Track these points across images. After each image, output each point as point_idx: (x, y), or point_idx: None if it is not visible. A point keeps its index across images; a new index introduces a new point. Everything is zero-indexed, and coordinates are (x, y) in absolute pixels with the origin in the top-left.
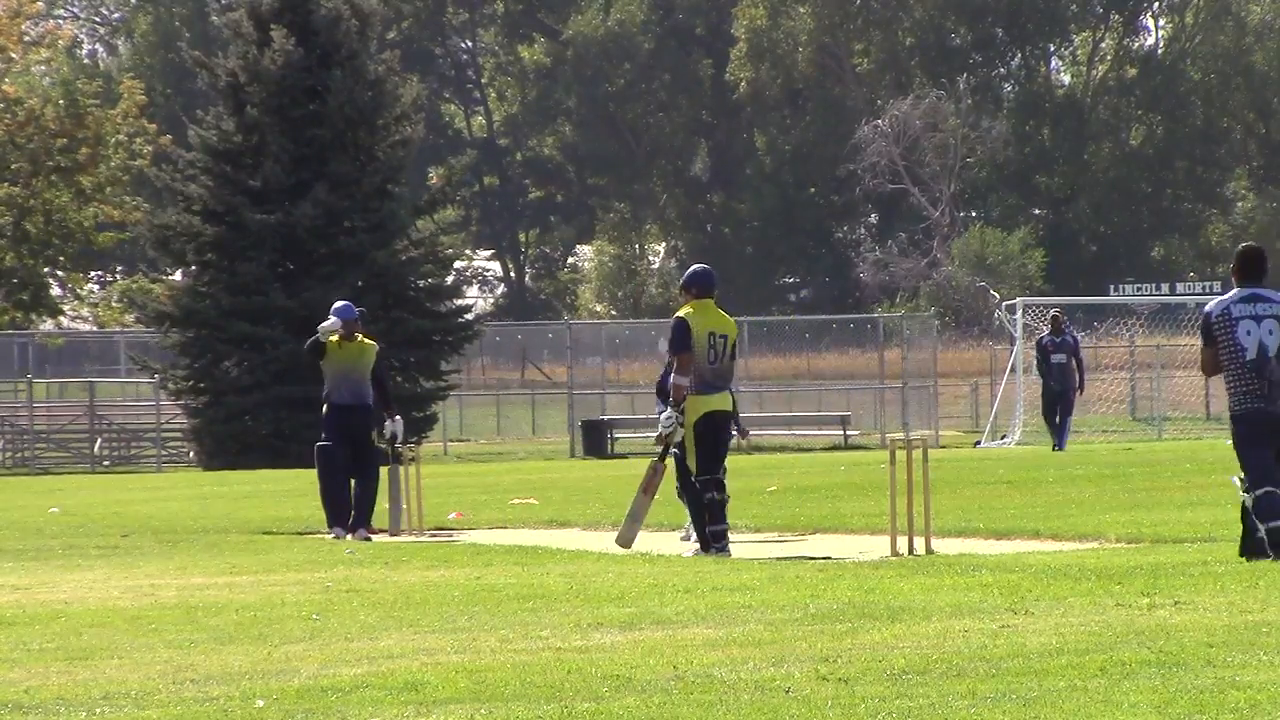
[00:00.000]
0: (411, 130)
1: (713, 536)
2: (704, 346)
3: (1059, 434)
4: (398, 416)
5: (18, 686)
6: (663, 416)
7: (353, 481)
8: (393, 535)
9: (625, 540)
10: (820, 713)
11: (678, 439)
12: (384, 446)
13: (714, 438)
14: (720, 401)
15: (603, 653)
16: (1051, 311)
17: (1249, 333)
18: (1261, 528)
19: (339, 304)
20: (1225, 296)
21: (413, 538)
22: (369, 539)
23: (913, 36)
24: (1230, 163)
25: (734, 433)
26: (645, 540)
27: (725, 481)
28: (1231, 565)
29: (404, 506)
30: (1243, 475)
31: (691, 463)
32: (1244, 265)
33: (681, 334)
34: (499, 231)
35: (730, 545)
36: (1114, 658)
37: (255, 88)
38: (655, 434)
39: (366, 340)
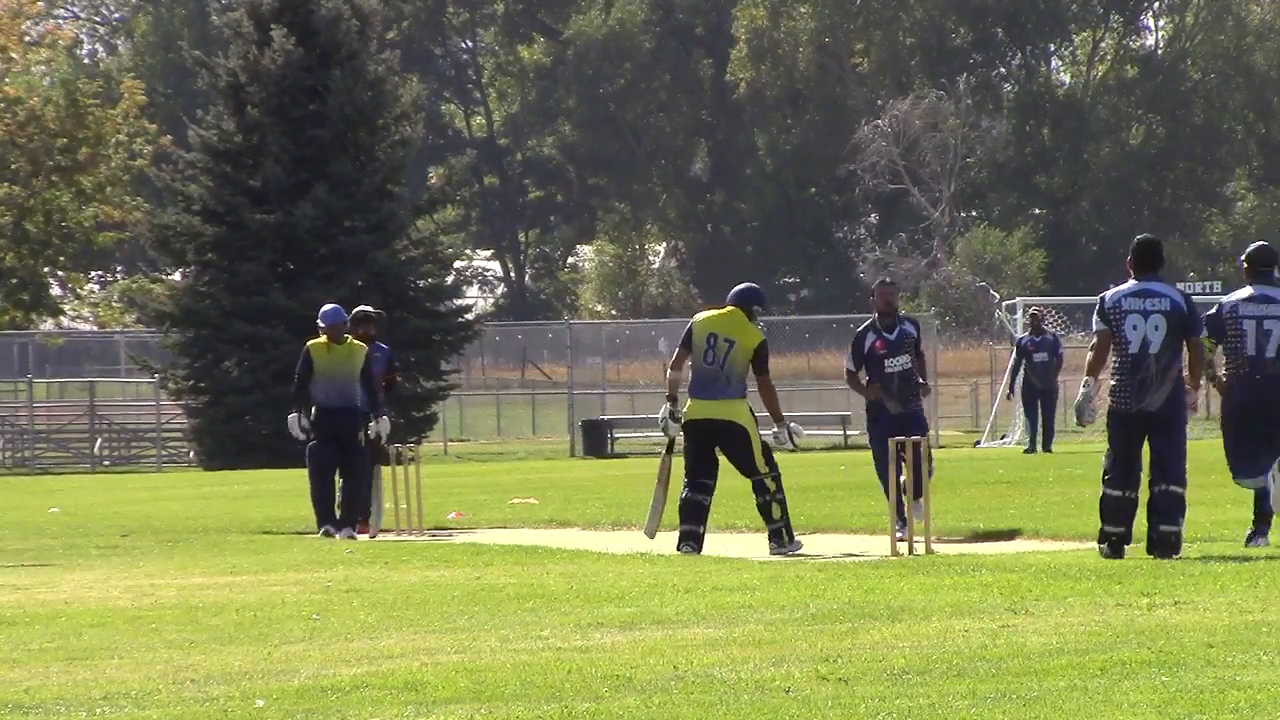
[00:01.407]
0: (411, 130)
1: (683, 536)
2: (702, 346)
3: (1045, 435)
4: (383, 417)
5: (18, 686)
6: (660, 411)
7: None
8: (371, 537)
9: (649, 531)
10: (820, 713)
11: (671, 433)
12: (383, 446)
13: (701, 446)
14: (713, 410)
15: (603, 653)
16: (1031, 310)
17: (1135, 327)
18: (1102, 526)
19: (328, 308)
20: (1121, 288)
21: (411, 537)
22: (354, 538)
23: (913, 36)
24: (1230, 163)
25: (777, 435)
26: (647, 540)
27: (765, 483)
28: (1231, 565)
29: (386, 506)
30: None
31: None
32: (1139, 258)
33: (685, 331)
34: (499, 231)
35: (696, 552)
36: (1114, 658)
37: (255, 88)
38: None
39: (355, 342)
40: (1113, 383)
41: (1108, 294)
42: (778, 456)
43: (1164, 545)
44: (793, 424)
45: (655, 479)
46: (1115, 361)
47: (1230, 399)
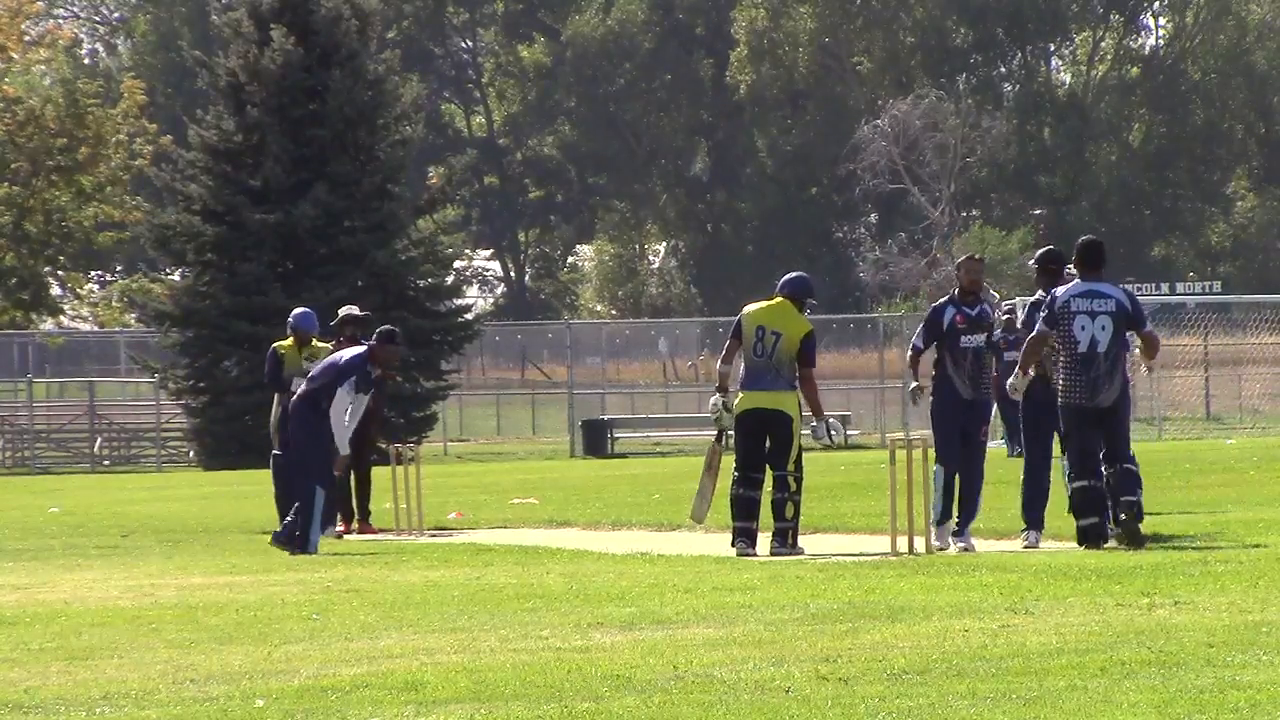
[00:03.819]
0: (411, 130)
1: (737, 533)
2: (751, 338)
3: (1014, 436)
4: None
5: (18, 686)
6: (710, 401)
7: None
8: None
9: (697, 516)
10: (820, 713)
11: (724, 424)
12: (382, 446)
13: (751, 438)
14: (764, 400)
15: (603, 653)
16: (1005, 310)
17: (1084, 328)
18: (1077, 521)
19: (299, 311)
20: (1069, 287)
21: (411, 537)
22: (331, 536)
23: (913, 36)
24: (1230, 163)
25: (815, 430)
26: (648, 540)
27: (788, 480)
28: (1231, 565)
29: (370, 508)
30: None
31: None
32: (1084, 258)
33: (734, 323)
34: (499, 231)
35: (751, 550)
36: (1114, 658)
37: (255, 88)
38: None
39: (320, 344)
40: (1063, 380)
41: (1058, 292)
42: (808, 456)
43: (1128, 509)
44: (832, 419)
45: (703, 467)
46: (1064, 359)
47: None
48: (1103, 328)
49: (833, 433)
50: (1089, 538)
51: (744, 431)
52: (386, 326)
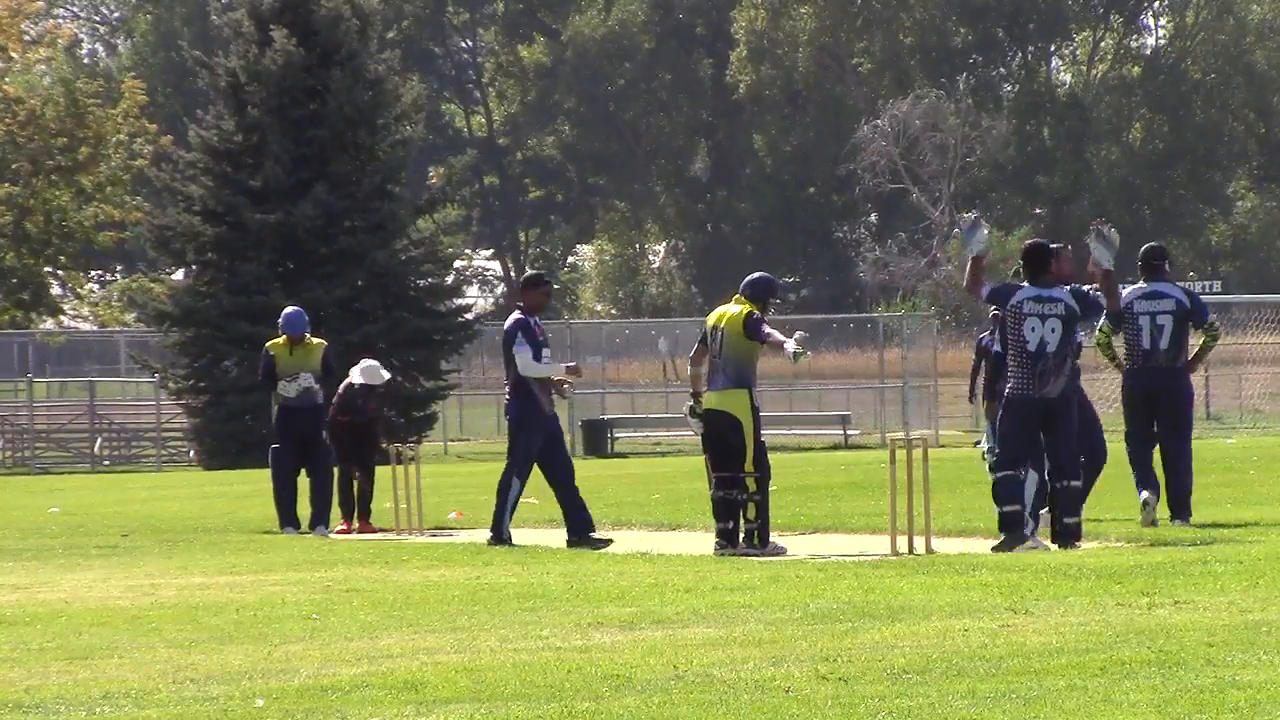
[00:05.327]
0: (411, 130)
1: (717, 534)
2: (709, 341)
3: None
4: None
5: (18, 686)
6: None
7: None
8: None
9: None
10: (820, 713)
11: (694, 428)
12: (384, 446)
13: (710, 439)
14: (713, 400)
15: (603, 653)
16: (992, 311)
17: (1033, 329)
18: (997, 509)
19: (289, 311)
20: (1023, 292)
21: (411, 537)
22: (326, 535)
23: (913, 36)
24: (1230, 163)
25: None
26: (648, 540)
27: (745, 481)
28: (1231, 565)
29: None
30: (994, 448)
31: None
32: (1033, 265)
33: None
34: (499, 231)
35: (730, 550)
36: (1114, 657)
37: (255, 88)
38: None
39: (314, 341)
40: (1011, 376)
41: (1018, 294)
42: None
43: (1066, 535)
44: (799, 335)
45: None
46: (1012, 358)
47: (1124, 387)
48: (1052, 330)
49: (797, 346)
50: (1008, 525)
51: (705, 433)
52: (529, 272)
